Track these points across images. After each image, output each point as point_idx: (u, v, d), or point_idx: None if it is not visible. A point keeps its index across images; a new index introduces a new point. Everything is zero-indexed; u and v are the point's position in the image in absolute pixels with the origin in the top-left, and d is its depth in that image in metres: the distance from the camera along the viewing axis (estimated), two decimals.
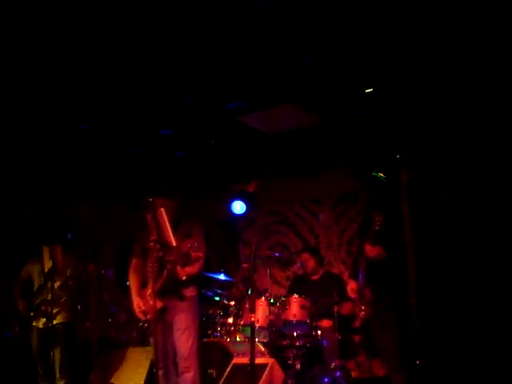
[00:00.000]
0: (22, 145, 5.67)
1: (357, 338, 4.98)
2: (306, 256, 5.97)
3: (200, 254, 4.54)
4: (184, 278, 4.43)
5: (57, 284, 5.26)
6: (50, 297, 5.17)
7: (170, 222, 4.33)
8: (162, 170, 6.44)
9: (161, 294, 4.31)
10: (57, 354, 5.20)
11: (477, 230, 5.09)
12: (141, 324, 4.46)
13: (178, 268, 4.37)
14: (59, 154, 5.98)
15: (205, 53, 4.28)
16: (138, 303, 4.48)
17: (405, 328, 3.93)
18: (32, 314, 5.28)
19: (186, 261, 4.45)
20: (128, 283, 4.68)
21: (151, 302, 4.22)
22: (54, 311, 5.20)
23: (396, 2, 3.70)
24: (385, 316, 4.10)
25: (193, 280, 4.55)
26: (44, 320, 5.23)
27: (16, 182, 6.20)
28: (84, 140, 5.74)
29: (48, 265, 5.30)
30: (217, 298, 6.09)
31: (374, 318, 4.20)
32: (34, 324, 5.29)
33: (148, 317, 4.37)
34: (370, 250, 4.07)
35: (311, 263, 5.90)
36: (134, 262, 4.68)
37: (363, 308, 4.21)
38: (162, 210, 4.24)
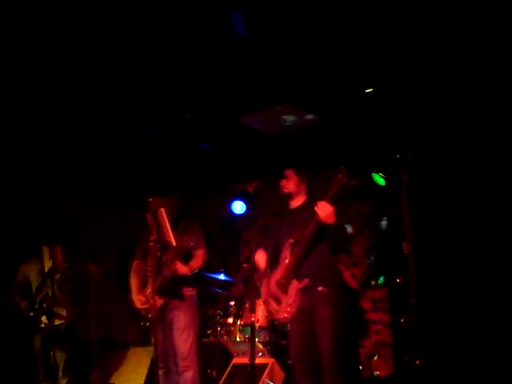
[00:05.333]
0: (22, 145, 5.67)
1: None
2: None
3: (200, 250, 4.56)
4: (189, 273, 4.44)
5: (56, 284, 5.27)
6: (50, 293, 5.18)
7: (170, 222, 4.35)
8: (162, 170, 6.44)
9: (160, 292, 4.32)
10: (59, 354, 5.22)
11: (477, 229, 5.09)
12: (143, 323, 4.46)
13: (180, 265, 4.38)
14: (59, 154, 5.97)
15: (204, 52, 4.29)
16: (138, 297, 4.50)
17: (343, 326, 3.75)
18: (33, 313, 5.29)
19: (187, 257, 4.47)
20: (129, 284, 4.69)
21: (151, 301, 4.24)
22: (55, 309, 5.21)
23: (396, 2, 3.70)
24: (318, 310, 3.74)
25: (192, 279, 4.56)
26: (45, 318, 5.23)
27: (16, 182, 6.20)
28: (84, 139, 5.74)
29: (48, 265, 5.31)
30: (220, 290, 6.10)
31: (296, 319, 3.83)
32: (36, 323, 5.29)
33: (149, 316, 4.38)
34: (324, 207, 3.59)
35: None
36: (135, 263, 4.71)
37: (289, 309, 3.80)
38: (163, 209, 4.24)
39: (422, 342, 4.30)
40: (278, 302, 3.88)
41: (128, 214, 6.43)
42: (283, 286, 3.85)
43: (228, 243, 7.44)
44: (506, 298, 4.80)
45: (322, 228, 3.68)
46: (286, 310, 3.82)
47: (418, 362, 4.31)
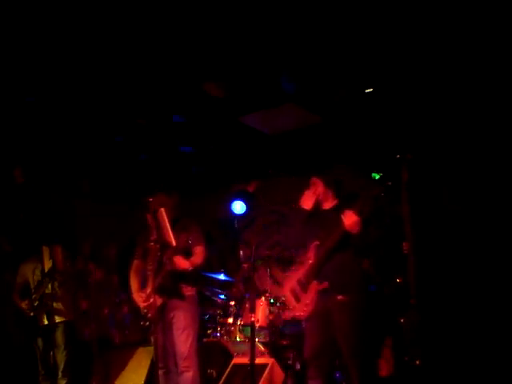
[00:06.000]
0: (22, 145, 5.67)
1: None
2: None
3: (200, 247, 4.57)
4: (190, 267, 4.45)
5: (56, 283, 5.27)
6: (50, 288, 5.19)
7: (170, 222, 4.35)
8: (162, 170, 6.44)
9: (160, 292, 4.32)
10: (59, 354, 5.22)
11: (477, 229, 5.10)
12: (143, 323, 4.47)
13: (181, 259, 4.38)
14: (59, 154, 5.98)
15: (205, 53, 4.29)
16: (139, 296, 4.51)
17: (363, 333, 3.80)
18: (33, 313, 5.29)
19: (187, 255, 4.48)
20: (129, 283, 4.70)
21: (151, 301, 4.24)
22: (55, 305, 5.21)
23: (396, 2, 3.70)
24: (336, 317, 3.80)
25: (193, 279, 4.56)
26: (45, 317, 5.22)
27: (16, 182, 6.20)
28: (85, 140, 5.74)
29: (48, 265, 5.31)
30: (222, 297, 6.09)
31: (311, 318, 3.92)
32: (36, 324, 5.29)
33: (149, 315, 4.38)
34: (350, 216, 3.70)
35: None
36: (135, 262, 4.72)
37: (305, 308, 3.89)
38: (163, 209, 4.25)
39: (421, 341, 4.30)
40: (297, 299, 3.97)
41: (128, 214, 6.43)
42: (304, 285, 3.94)
43: (228, 243, 7.44)
44: (507, 298, 4.80)
45: (347, 236, 3.77)
46: (302, 309, 3.91)
47: (417, 362, 4.30)
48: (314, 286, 3.88)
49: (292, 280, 4.06)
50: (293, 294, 4.01)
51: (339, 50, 4.25)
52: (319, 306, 3.86)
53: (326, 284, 3.84)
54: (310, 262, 3.95)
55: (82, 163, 6.26)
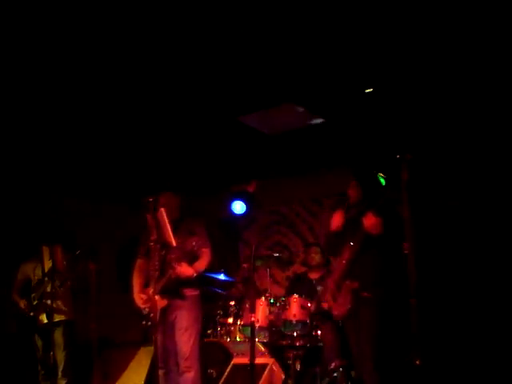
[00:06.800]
0: (22, 144, 5.66)
1: None
2: (314, 249, 5.92)
3: (206, 249, 4.57)
4: (194, 274, 4.46)
5: (57, 283, 5.27)
6: (49, 289, 5.19)
7: (172, 221, 4.35)
8: (163, 170, 6.43)
9: (163, 293, 4.32)
10: (59, 354, 5.21)
11: (477, 229, 5.09)
12: (144, 323, 4.46)
13: (185, 266, 4.38)
14: (59, 154, 5.97)
15: (205, 52, 4.28)
16: (140, 296, 4.51)
17: (382, 330, 3.96)
18: (33, 313, 5.28)
19: (192, 258, 4.48)
20: (131, 282, 4.69)
21: (153, 300, 4.24)
22: (55, 304, 5.21)
23: (396, 2, 3.70)
24: (360, 315, 4.02)
25: (195, 280, 4.55)
26: (45, 316, 5.22)
27: (16, 182, 6.20)
28: (84, 139, 5.74)
29: (48, 265, 5.31)
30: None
31: (349, 317, 4.12)
32: (36, 323, 5.29)
33: (150, 316, 4.37)
34: (369, 218, 3.94)
35: (318, 257, 5.86)
36: (138, 261, 4.71)
37: (339, 307, 4.13)
38: (162, 209, 4.25)
39: (421, 341, 4.31)
40: (334, 299, 4.17)
41: (128, 214, 6.43)
42: (338, 285, 4.13)
43: (228, 243, 7.44)
44: (506, 297, 4.80)
45: (369, 236, 3.96)
46: (338, 308, 4.13)
47: (417, 362, 4.30)
48: (347, 285, 4.06)
49: (330, 280, 4.26)
50: (330, 294, 4.20)
51: (339, 49, 4.25)
52: (352, 305, 4.03)
53: (355, 284, 4.03)
54: (344, 262, 4.11)
55: (82, 163, 6.25)
